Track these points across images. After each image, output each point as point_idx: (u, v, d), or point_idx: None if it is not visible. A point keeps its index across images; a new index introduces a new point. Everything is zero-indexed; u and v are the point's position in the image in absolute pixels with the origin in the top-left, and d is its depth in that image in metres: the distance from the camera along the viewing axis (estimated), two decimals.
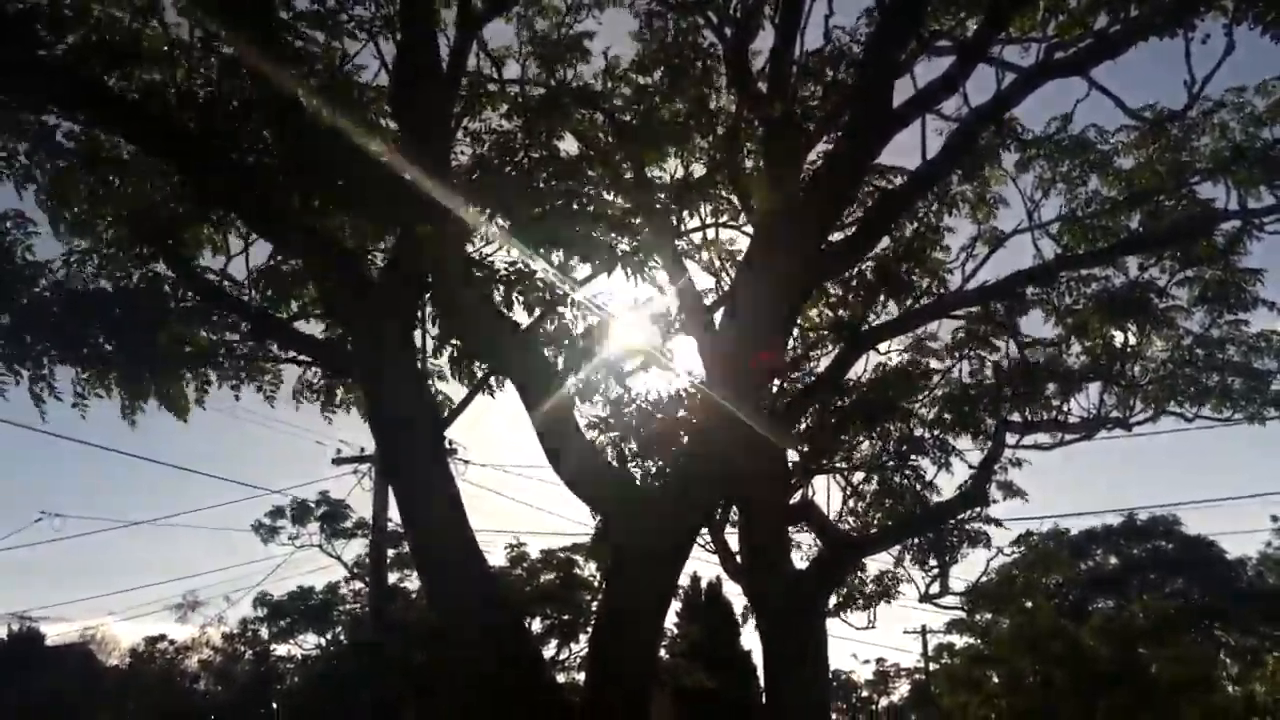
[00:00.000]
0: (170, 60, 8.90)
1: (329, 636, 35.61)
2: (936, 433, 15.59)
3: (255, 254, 10.21)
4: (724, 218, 14.58)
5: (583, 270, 9.10)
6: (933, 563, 17.19)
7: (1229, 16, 10.38)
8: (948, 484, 16.10)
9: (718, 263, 14.89)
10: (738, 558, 15.65)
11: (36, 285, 8.52)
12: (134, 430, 9.08)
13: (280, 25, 9.00)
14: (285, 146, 8.83)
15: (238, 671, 38.04)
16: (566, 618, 30.53)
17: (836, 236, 12.07)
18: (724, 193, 13.94)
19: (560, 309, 9.89)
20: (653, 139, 12.06)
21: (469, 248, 9.39)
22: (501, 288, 9.48)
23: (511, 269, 9.38)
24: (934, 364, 16.26)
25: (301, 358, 10.50)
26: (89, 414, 8.63)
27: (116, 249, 9.38)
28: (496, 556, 30.74)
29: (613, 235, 8.98)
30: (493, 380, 10.44)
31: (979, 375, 15.84)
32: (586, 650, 22.92)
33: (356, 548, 33.18)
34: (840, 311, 15.44)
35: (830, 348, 15.62)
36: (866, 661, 64.25)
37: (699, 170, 13.64)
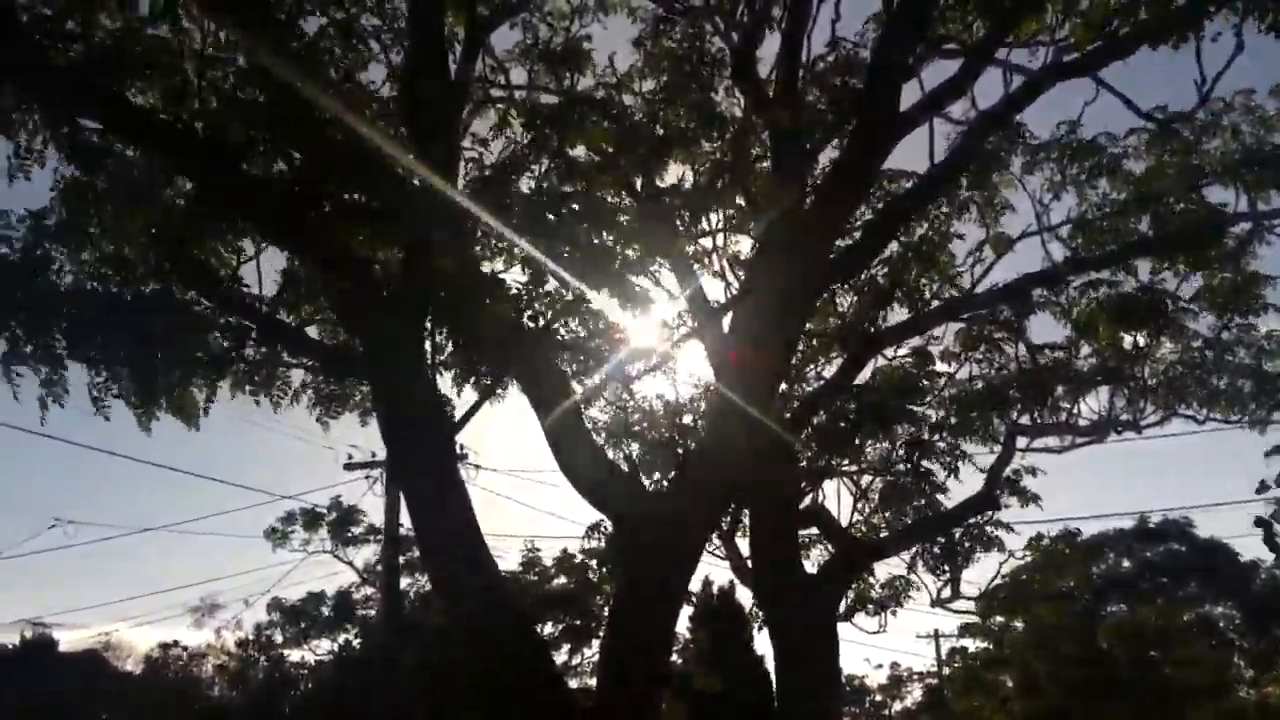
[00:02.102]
0: (185, 68, 8.96)
1: (342, 641, 35.72)
2: (946, 436, 15.55)
3: (266, 259, 10.26)
4: (733, 223, 14.60)
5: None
6: (944, 567, 17.13)
7: (1239, 16, 10.36)
8: (958, 488, 16.06)
9: (726, 268, 14.90)
10: (748, 562, 15.65)
11: (54, 288, 8.54)
12: (149, 436, 9.10)
13: (295, 34, 9.06)
14: (299, 156, 8.88)
15: (251, 677, 38.14)
16: (579, 622, 30.54)
17: (845, 241, 12.09)
18: (732, 198, 13.96)
19: (570, 316, 9.93)
20: (661, 146, 12.09)
21: (479, 255, 9.45)
22: (512, 294, 9.53)
23: (522, 278, 9.43)
24: (940, 367, 16.24)
25: (311, 363, 10.55)
26: (101, 421, 8.67)
27: (129, 254, 9.41)
28: (509, 561, 30.83)
29: (621, 250, 9.05)
30: (499, 388, 10.49)
31: (988, 378, 15.79)
32: (598, 654, 22.93)
33: (369, 553, 33.33)
34: (851, 318, 15.45)
35: (839, 352, 15.61)
36: (879, 666, 63.92)
37: (707, 176, 13.67)
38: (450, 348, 10.14)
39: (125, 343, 8.29)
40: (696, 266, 13.96)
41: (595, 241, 9.10)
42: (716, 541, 16.47)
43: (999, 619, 34.69)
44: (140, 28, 8.88)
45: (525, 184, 10.41)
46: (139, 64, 8.60)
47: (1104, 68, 10.73)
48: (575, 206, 9.63)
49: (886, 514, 16.78)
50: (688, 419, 14.43)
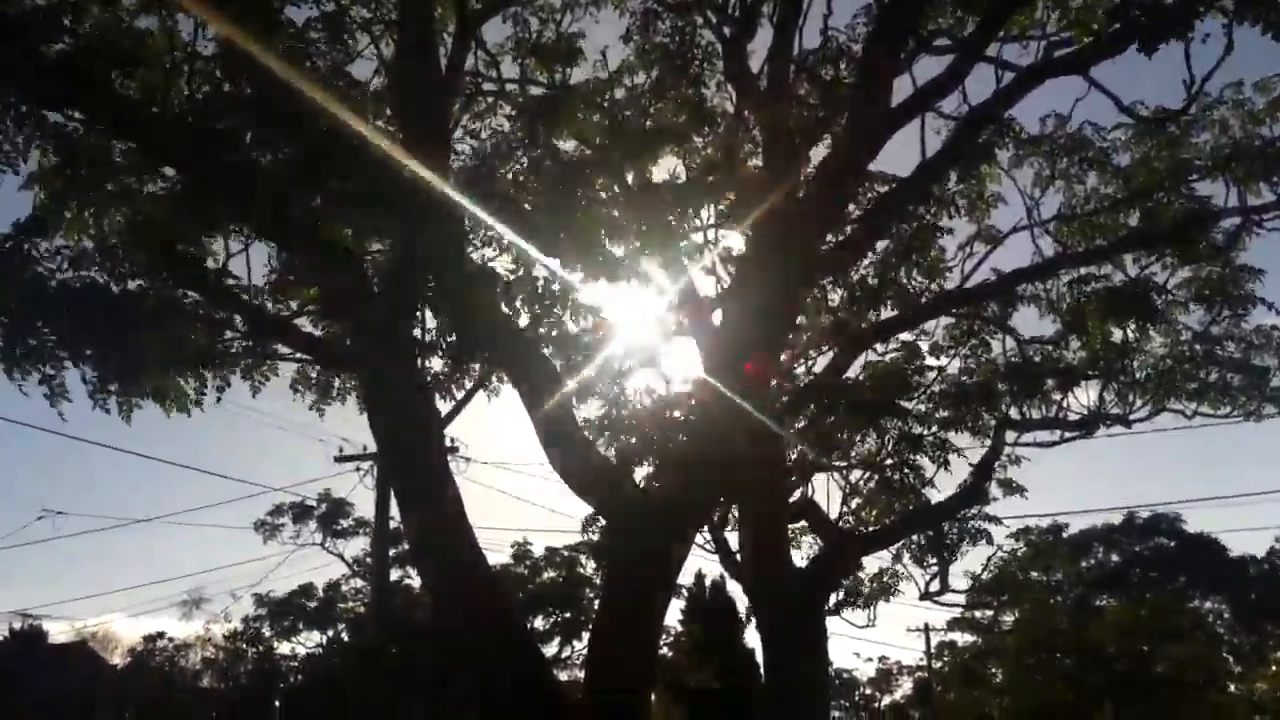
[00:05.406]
0: (172, 61, 8.90)
1: (331, 634, 35.73)
2: (935, 430, 15.56)
3: (254, 252, 10.21)
4: (724, 218, 14.56)
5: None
6: (932, 560, 17.18)
7: (1229, 17, 10.32)
8: (946, 481, 16.09)
9: (717, 263, 14.87)
10: (738, 556, 15.66)
11: (45, 286, 8.47)
12: (137, 428, 9.10)
13: (285, 25, 9.01)
14: (288, 148, 8.83)
15: (240, 670, 38.12)
16: (569, 616, 30.58)
17: (836, 236, 12.08)
18: (723, 193, 13.93)
19: (559, 310, 9.92)
20: (652, 139, 12.05)
21: (469, 248, 9.42)
22: (502, 288, 9.50)
23: (512, 270, 9.41)
24: (930, 361, 16.26)
25: (300, 355, 10.51)
26: (89, 413, 8.62)
27: (115, 248, 9.34)
28: (500, 555, 30.87)
29: (611, 242, 9.03)
30: (492, 380, 10.48)
31: (977, 373, 15.81)
32: (587, 647, 22.98)
33: (358, 545, 33.36)
34: (841, 313, 15.44)
35: (829, 347, 15.61)
36: (869, 660, 64.13)
37: (698, 171, 13.63)
38: (441, 340, 10.13)
39: (110, 336, 8.23)
40: (687, 261, 13.93)
41: (581, 224, 9.03)
42: (707, 535, 16.49)
43: (988, 612, 34.84)
44: (127, 19, 8.82)
45: (514, 175, 10.39)
46: (125, 55, 8.53)
47: (1095, 65, 10.69)
48: (562, 191, 9.60)
49: (877, 511, 16.80)
50: (678, 414, 14.41)
